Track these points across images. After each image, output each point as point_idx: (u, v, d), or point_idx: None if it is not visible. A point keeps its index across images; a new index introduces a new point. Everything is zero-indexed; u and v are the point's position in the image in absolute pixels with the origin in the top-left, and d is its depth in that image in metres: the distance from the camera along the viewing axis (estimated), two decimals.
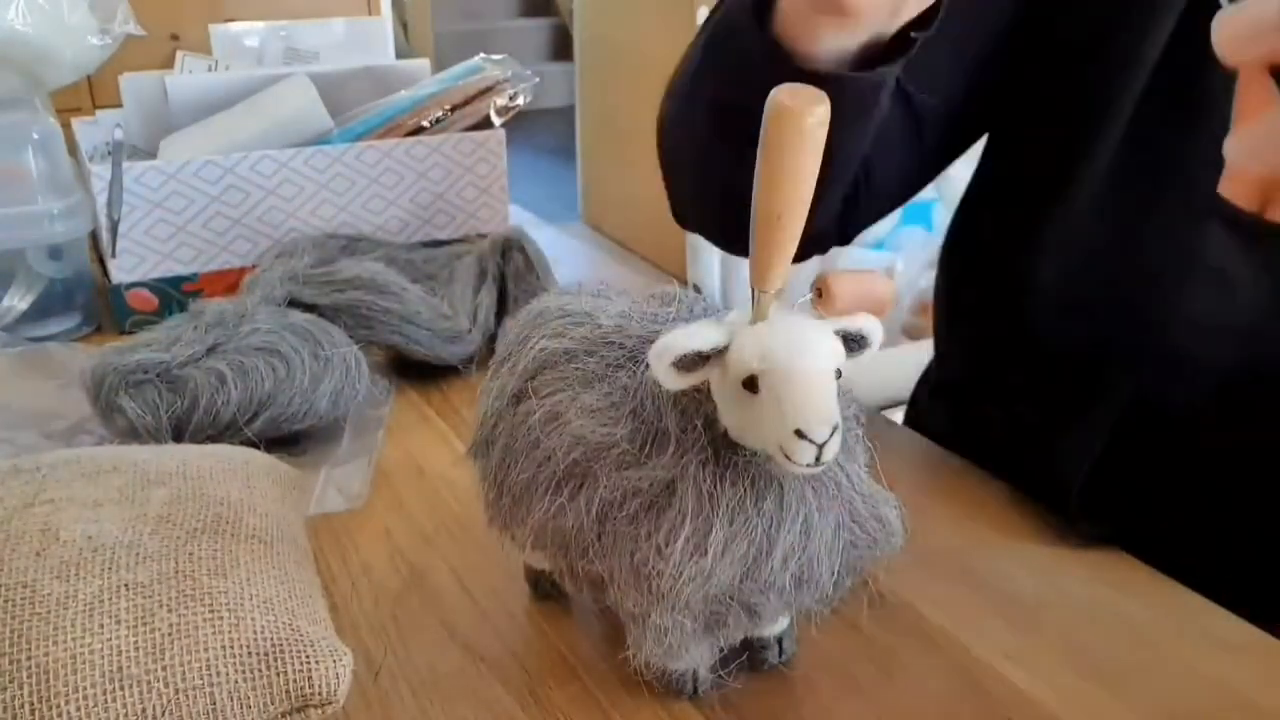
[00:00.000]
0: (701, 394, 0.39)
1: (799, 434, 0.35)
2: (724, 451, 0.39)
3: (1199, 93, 0.56)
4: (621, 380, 0.42)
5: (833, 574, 0.40)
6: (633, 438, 0.40)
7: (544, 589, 0.52)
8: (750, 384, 0.36)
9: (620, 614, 0.43)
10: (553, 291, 0.50)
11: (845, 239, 0.71)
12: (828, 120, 0.34)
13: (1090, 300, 0.59)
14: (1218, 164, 0.55)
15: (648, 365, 0.40)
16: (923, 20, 0.51)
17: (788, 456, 0.36)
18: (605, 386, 0.42)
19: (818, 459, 0.35)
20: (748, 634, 0.45)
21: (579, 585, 0.44)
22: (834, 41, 0.51)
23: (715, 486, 0.38)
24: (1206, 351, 0.56)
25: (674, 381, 0.37)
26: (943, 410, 0.76)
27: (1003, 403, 0.66)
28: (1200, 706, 0.46)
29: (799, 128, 0.33)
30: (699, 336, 0.36)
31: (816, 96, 0.34)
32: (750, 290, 0.37)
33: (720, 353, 0.37)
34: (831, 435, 0.35)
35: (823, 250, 0.72)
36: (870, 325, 0.38)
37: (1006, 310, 0.62)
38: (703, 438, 0.39)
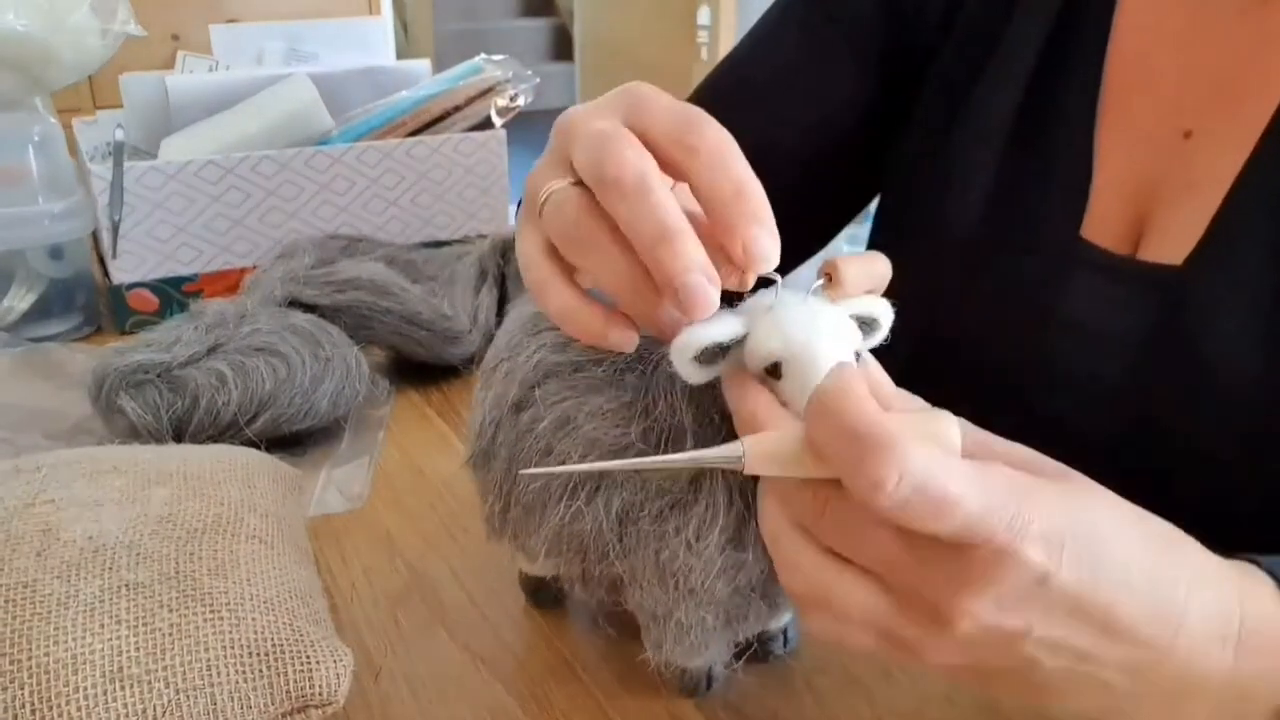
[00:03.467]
0: (717, 388, 0.39)
1: None
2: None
3: (1052, 149, 0.56)
4: (630, 381, 0.41)
5: None
6: (646, 437, 0.40)
7: (543, 598, 0.52)
8: (773, 370, 0.36)
9: (639, 615, 0.43)
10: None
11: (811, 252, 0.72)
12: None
13: (964, 357, 0.58)
14: (1074, 214, 0.54)
15: (655, 364, 0.40)
16: None
17: None
18: (614, 390, 0.42)
19: None
20: (764, 626, 0.45)
21: (592, 590, 0.44)
22: None
23: (744, 479, 0.38)
24: (1080, 410, 0.54)
25: (696, 376, 0.37)
26: None
27: None
28: None
29: None
30: (719, 328, 0.36)
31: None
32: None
33: (739, 342, 0.37)
34: None
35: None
36: (880, 307, 0.38)
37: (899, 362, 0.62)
38: (722, 430, 0.39)
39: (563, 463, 0.42)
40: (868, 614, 0.33)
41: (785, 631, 0.47)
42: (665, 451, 0.39)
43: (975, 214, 0.58)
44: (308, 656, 0.40)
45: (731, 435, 0.38)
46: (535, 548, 0.44)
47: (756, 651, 0.47)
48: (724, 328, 0.36)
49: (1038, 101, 0.57)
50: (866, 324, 0.38)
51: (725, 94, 0.69)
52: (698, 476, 0.39)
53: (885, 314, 0.39)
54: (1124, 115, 0.55)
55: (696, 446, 0.39)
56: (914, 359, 0.58)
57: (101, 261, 0.90)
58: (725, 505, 0.38)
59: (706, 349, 0.36)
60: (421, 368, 0.77)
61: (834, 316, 0.37)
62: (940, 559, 0.31)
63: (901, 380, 0.55)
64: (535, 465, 0.43)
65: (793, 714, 0.46)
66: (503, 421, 0.45)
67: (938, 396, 0.58)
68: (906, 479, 0.29)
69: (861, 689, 0.47)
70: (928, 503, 0.30)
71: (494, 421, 0.45)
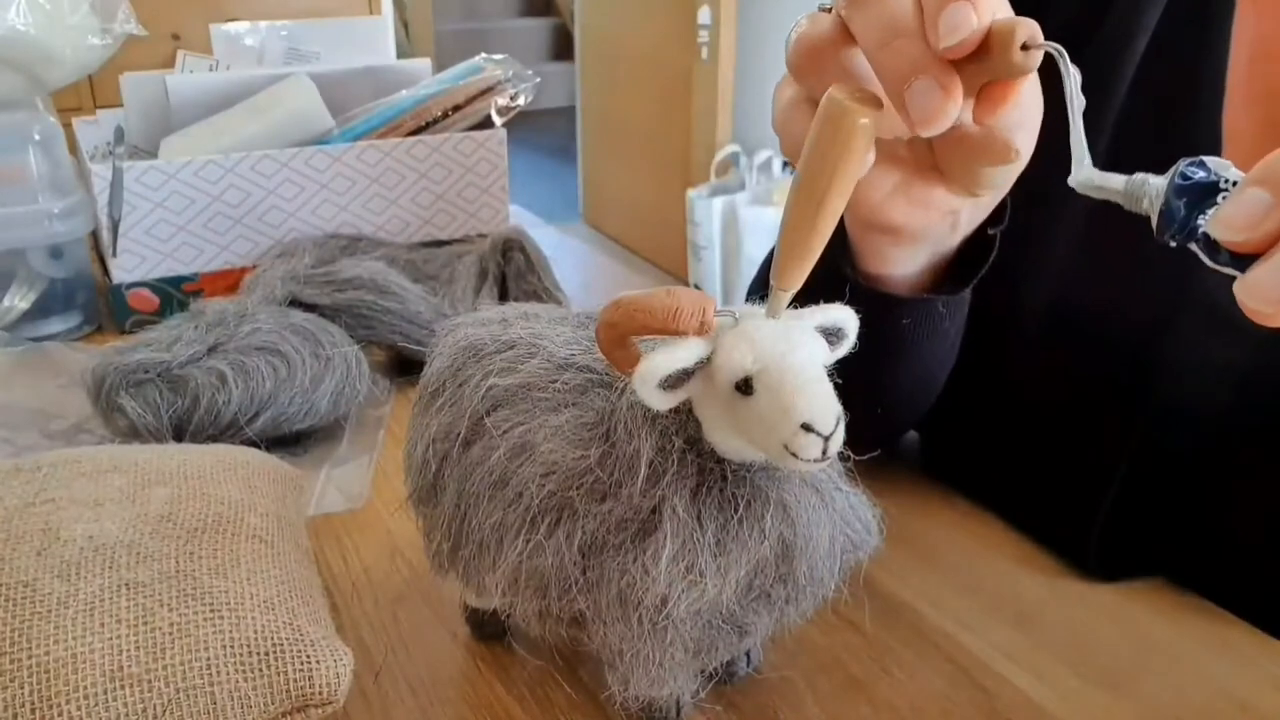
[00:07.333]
0: (682, 415, 0.38)
1: (805, 428, 0.34)
2: (711, 469, 0.38)
3: (1175, 119, 0.56)
4: (595, 403, 0.40)
5: (833, 578, 0.40)
6: (603, 462, 0.38)
7: (489, 629, 0.50)
8: (744, 386, 0.35)
9: (602, 652, 0.41)
10: (469, 318, 0.48)
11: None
12: (878, 124, 0.33)
13: (1081, 341, 0.58)
14: None
15: (621, 390, 0.39)
16: (995, 217, 0.51)
17: (794, 454, 0.34)
18: (574, 410, 0.40)
19: (824, 453, 0.34)
20: (735, 654, 0.44)
21: (549, 627, 0.42)
22: (898, 262, 0.52)
23: (706, 508, 0.37)
24: (1207, 392, 0.54)
25: (663, 402, 0.36)
26: (929, 449, 0.71)
27: (995, 448, 0.63)
28: (1200, 708, 0.46)
29: (850, 124, 0.32)
30: (683, 353, 0.35)
31: (872, 98, 0.33)
32: (755, 291, 0.37)
33: (703, 364, 0.36)
34: (836, 426, 0.34)
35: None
36: (844, 316, 0.37)
37: (989, 353, 0.60)
38: (687, 457, 0.37)
39: (520, 494, 0.40)
40: None
41: (748, 652, 0.46)
42: (621, 479, 0.38)
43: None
44: (308, 656, 0.40)
45: (698, 464, 0.37)
46: (490, 586, 0.42)
47: (720, 674, 0.46)
48: (687, 352, 0.35)
49: (1154, 74, 0.57)
50: (832, 335, 0.37)
51: None
52: (659, 505, 0.37)
53: (850, 323, 0.37)
54: (1252, 99, 0.56)
55: (654, 475, 0.37)
56: (1041, 330, 0.58)
57: (101, 261, 0.90)
58: (688, 537, 0.37)
59: (671, 375, 0.35)
60: (421, 367, 0.76)
61: (803, 328, 0.36)
62: None
63: (1027, 368, 0.57)
64: (489, 498, 0.41)
65: (794, 714, 0.45)
66: (449, 456, 0.43)
67: (1066, 366, 0.58)
68: None
69: (861, 689, 0.47)
70: None
71: (439, 455, 0.44)
